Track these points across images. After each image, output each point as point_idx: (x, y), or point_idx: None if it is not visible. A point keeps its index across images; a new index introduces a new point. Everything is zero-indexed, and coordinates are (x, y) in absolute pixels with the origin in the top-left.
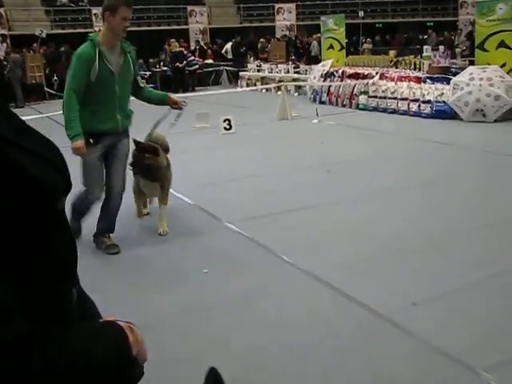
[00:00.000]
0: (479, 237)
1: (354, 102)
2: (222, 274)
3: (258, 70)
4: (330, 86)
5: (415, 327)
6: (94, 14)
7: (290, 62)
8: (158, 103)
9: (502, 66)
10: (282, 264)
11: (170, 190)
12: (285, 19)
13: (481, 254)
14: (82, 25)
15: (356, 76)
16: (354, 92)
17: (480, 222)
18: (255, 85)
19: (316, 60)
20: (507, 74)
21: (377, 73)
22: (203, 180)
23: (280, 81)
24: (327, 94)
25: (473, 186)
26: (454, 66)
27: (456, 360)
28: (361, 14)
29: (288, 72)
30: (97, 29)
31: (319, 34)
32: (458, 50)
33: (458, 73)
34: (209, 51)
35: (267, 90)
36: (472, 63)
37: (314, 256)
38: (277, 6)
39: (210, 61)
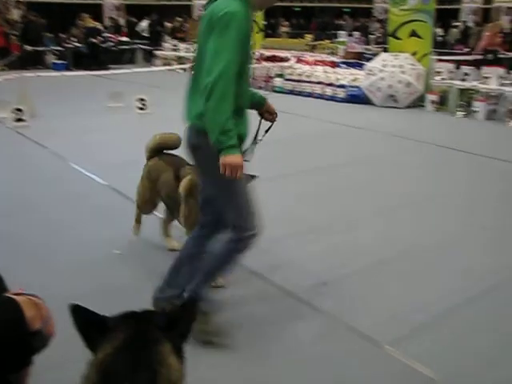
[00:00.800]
0: (387, 217)
1: (269, 84)
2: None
3: (175, 50)
4: None
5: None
6: None
7: None
8: (252, 106)
9: (413, 54)
10: None
11: (81, 170)
12: None
13: (388, 234)
14: None
15: (273, 59)
16: (270, 75)
17: (388, 203)
18: (171, 65)
19: None
20: (418, 62)
21: (293, 56)
22: (116, 160)
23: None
24: None
25: (383, 168)
26: (368, 51)
27: (363, 335)
28: None
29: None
30: None
31: None
32: (372, 37)
33: (371, 59)
34: (123, 28)
35: (184, 69)
36: (386, 50)
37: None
38: None
39: (124, 38)
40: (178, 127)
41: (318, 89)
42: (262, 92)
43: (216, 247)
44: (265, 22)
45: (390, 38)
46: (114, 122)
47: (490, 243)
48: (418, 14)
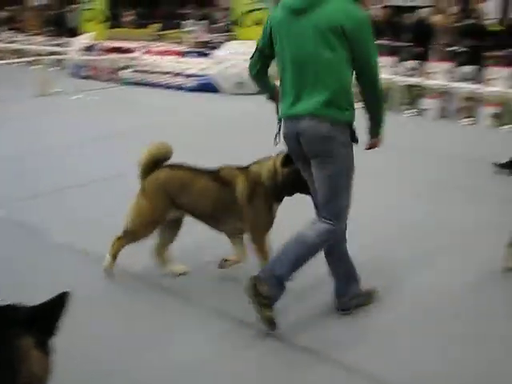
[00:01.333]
0: None
1: (117, 76)
2: None
3: (11, 42)
4: (92, 60)
5: None
6: None
7: (48, 34)
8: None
9: None
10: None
11: None
12: None
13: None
14: None
15: (119, 50)
16: (118, 66)
17: None
18: (8, 58)
19: (73, 32)
20: None
21: (140, 47)
22: None
23: (37, 54)
24: (89, 69)
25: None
26: (215, 40)
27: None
28: None
29: (46, 44)
30: None
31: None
32: (218, 26)
33: (219, 47)
34: None
35: (24, 63)
36: (232, 38)
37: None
38: None
39: None
40: (19, 124)
41: (166, 79)
42: (108, 84)
43: (308, 235)
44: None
45: (237, 27)
46: None
47: None
48: (262, 3)
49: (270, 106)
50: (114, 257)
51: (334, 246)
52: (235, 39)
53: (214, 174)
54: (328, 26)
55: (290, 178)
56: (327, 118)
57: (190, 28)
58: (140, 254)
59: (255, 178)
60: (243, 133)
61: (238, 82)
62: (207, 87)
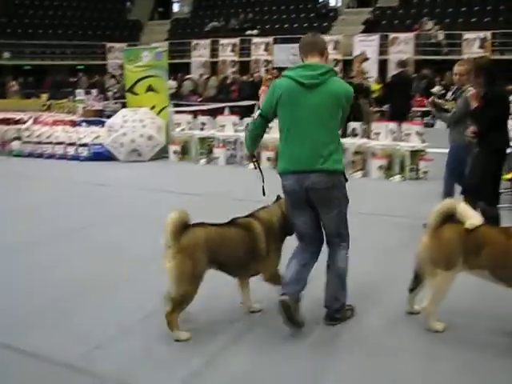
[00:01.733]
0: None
1: (6, 148)
2: None
3: None
4: None
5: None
6: None
7: None
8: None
9: (152, 108)
10: None
11: None
12: None
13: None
14: None
15: (7, 121)
16: (6, 138)
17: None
18: None
19: None
20: (157, 115)
21: (30, 117)
22: None
23: None
24: None
25: (134, 224)
26: (107, 108)
27: None
28: (7, 55)
29: None
30: None
31: None
32: (110, 94)
33: (111, 115)
34: None
35: None
36: (125, 105)
37: None
38: None
39: None
40: None
41: (59, 149)
42: None
43: (341, 268)
44: None
45: (128, 94)
46: None
47: None
48: (153, 70)
49: (165, 171)
50: (178, 328)
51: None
52: (128, 106)
53: (237, 225)
54: (332, 99)
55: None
56: (329, 171)
57: (82, 97)
58: None
59: (268, 223)
60: (141, 198)
61: (132, 149)
62: (102, 156)
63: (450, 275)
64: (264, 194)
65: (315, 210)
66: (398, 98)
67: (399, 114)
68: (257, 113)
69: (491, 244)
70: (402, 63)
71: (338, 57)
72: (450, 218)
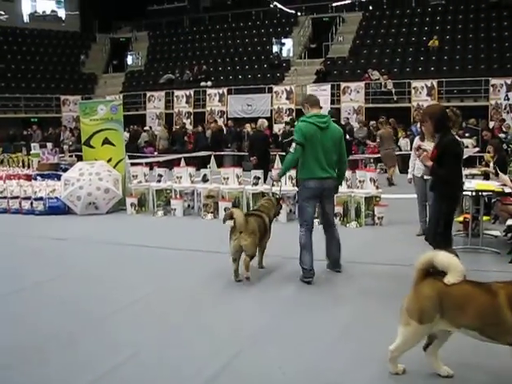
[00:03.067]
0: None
1: None
2: None
3: None
4: None
5: None
6: None
7: None
8: None
9: (109, 161)
10: None
11: None
12: None
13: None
14: None
15: None
16: None
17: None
18: None
19: None
20: (114, 167)
21: None
22: None
23: None
24: None
25: (91, 279)
26: (63, 162)
27: None
28: None
29: None
30: None
31: None
32: (65, 147)
33: (67, 169)
34: None
35: None
36: (81, 159)
37: None
38: None
39: None
40: None
41: (14, 203)
42: None
43: (336, 234)
44: None
45: (84, 147)
46: None
47: None
48: (109, 123)
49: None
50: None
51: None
52: (84, 159)
53: (255, 215)
54: (335, 136)
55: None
56: (335, 178)
57: (37, 151)
58: None
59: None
60: (98, 252)
61: (88, 202)
62: (58, 209)
63: (422, 328)
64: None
65: (321, 201)
66: None
67: None
68: (293, 145)
69: (476, 303)
70: (332, 114)
71: (292, 106)
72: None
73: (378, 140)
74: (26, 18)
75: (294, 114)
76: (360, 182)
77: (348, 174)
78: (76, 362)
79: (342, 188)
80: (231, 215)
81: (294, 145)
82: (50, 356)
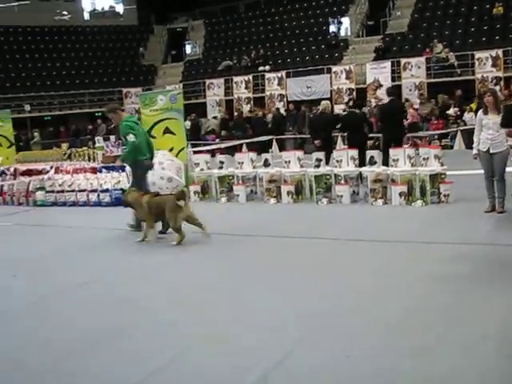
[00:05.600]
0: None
1: (31, 199)
2: None
3: None
4: (2, 186)
5: None
6: None
7: None
8: None
9: (170, 150)
10: None
11: None
12: None
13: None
14: None
15: (30, 172)
16: (30, 189)
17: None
18: None
19: None
20: (176, 157)
21: (51, 167)
22: None
23: None
24: (0, 194)
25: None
26: None
27: None
28: (27, 107)
29: None
30: None
31: None
32: None
33: None
34: None
35: None
36: None
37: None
38: None
39: None
40: None
41: (82, 196)
42: (22, 208)
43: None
44: (15, 133)
45: None
46: None
47: None
48: (169, 113)
49: None
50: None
51: None
52: None
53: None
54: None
55: None
56: None
57: (101, 144)
58: None
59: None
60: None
61: (154, 191)
62: None
63: None
64: None
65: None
66: (390, 125)
67: (392, 141)
68: None
69: None
70: (390, 92)
71: (352, 86)
72: None
73: None
74: (86, 16)
75: (354, 93)
76: (424, 159)
77: (411, 151)
78: (133, 355)
79: (406, 166)
80: (183, 194)
81: None
82: (108, 348)
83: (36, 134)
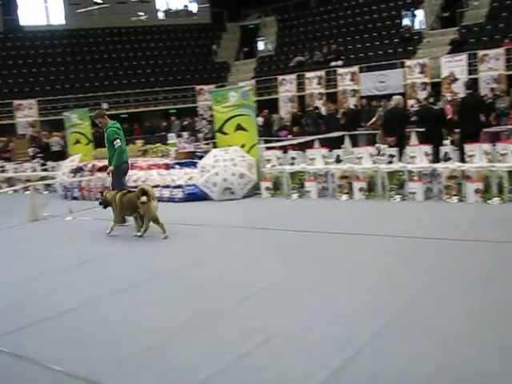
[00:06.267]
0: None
1: None
2: None
3: (2, 171)
4: (80, 181)
5: None
6: None
7: (37, 160)
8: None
9: (242, 146)
10: (54, 374)
11: None
12: (26, 115)
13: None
14: None
15: (106, 168)
16: (106, 185)
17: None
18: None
19: (60, 155)
20: (247, 153)
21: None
22: None
23: (27, 180)
24: (79, 190)
25: (241, 260)
26: (198, 150)
27: None
28: (105, 106)
29: (35, 170)
30: None
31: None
32: (200, 135)
33: (203, 156)
34: None
35: (15, 191)
36: (215, 146)
37: (86, 358)
38: (16, 102)
39: None
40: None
41: (155, 192)
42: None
43: None
44: (93, 131)
45: (218, 134)
46: None
47: None
48: (240, 109)
49: (258, 207)
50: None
51: None
52: (219, 146)
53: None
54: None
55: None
56: None
57: (174, 140)
58: None
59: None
60: (241, 237)
61: (224, 188)
62: (196, 196)
63: None
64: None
65: None
66: (468, 120)
67: (469, 136)
68: None
69: None
70: (469, 85)
71: (426, 80)
72: None
73: None
74: (161, 16)
75: (429, 88)
76: (502, 155)
77: (488, 147)
78: (210, 346)
79: (482, 162)
80: (144, 191)
81: None
82: (186, 339)
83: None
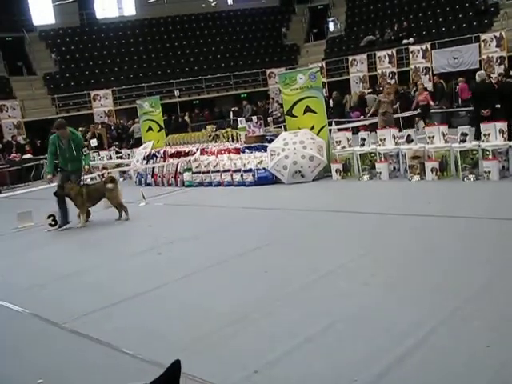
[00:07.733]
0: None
1: (179, 180)
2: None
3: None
4: (153, 168)
5: None
6: None
7: (112, 148)
8: None
9: (311, 128)
10: (123, 357)
11: None
12: (102, 105)
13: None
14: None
15: (178, 154)
16: (178, 170)
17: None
18: None
19: (141, 143)
20: (317, 135)
21: (197, 149)
22: (28, 282)
23: (104, 168)
24: (152, 176)
25: (306, 243)
26: (268, 133)
27: None
28: (177, 93)
29: (111, 158)
30: None
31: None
32: (270, 119)
33: (272, 140)
34: (26, 146)
35: (92, 178)
36: (285, 129)
37: (151, 343)
38: (93, 93)
39: (28, 156)
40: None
41: (226, 176)
42: (172, 189)
43: None
44: (165, 118)
45: (287, 117)
46: (24, 243)
47: None
48: (309, 91)
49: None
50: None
51: None
52: (288, 129)
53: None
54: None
55: None
56: None
57: (244, 125)
58: None
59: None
60: (310, 220)
61: (294, 171)
62: (266, 180)
63: None
64: None
65: None
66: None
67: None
68: None
69: None
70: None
71: (503, 54)
72: None
73: None
74: (230, 1)
75: (505, 62)
76: None
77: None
78: (275, 330)
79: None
80: (112, 179)
81: None
82: (250, 324)
83: (186, 117)
